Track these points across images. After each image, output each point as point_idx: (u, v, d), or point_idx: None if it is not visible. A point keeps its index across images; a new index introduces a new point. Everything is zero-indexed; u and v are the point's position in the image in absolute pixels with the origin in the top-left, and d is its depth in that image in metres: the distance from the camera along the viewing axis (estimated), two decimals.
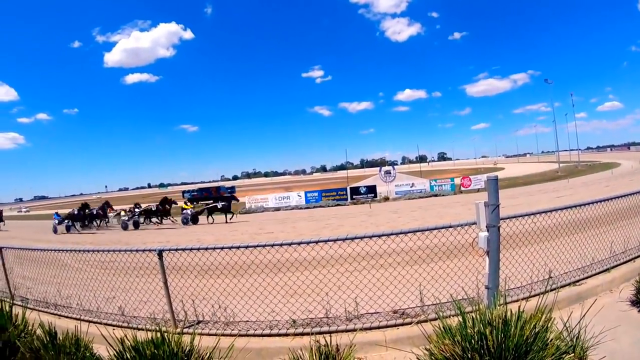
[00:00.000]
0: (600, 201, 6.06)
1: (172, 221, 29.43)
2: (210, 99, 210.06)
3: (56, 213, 30.72)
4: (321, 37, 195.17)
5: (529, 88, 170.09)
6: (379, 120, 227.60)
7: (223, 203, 28.80)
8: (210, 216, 28.60)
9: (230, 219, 28.02)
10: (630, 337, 4.11)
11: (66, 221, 28.88)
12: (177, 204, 30.97)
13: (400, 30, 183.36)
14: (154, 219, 29.16)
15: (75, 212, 29.72)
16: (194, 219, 28.07)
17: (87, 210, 29.90)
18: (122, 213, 30.48)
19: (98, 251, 6.62)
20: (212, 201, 30.51)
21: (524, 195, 26.11)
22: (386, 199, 35.43)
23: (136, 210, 29.99)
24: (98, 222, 30.53)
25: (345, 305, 5.18)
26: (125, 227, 27.83)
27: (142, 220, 28.82)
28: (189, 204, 30.65)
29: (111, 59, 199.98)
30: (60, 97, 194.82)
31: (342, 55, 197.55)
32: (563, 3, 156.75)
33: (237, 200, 31.25)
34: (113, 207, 31.64)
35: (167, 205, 29.45)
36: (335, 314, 5.19)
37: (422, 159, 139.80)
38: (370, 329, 4.79)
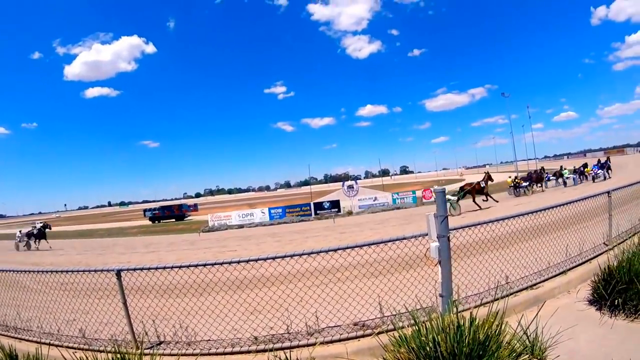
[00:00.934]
0: (555, 207, 6.32)
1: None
2: (172, 114, 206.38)
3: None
4: (283, 54, 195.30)
5: (486, 102, 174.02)
6: (341, 135, 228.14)
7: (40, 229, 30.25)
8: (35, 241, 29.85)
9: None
10: (588, 335, 4.26)
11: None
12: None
13: (361, 47, 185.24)
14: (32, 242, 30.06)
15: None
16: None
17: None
18: (18, 233, 31.30)
19: (56, 272, 6.43)
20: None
21: (486, 204, 26.75)
22: (350, 213, 35.56)
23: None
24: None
25: (306, 319, 5.21)
26: (17, 248, 29.48)
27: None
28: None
29: (71, 71, 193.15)
30: (19, 110, 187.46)
31: (304, 71, 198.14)
32: (519, 18, 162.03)
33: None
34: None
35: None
36: (296, 329, 5.21)
37: (384, 172, 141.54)
38: (332, 342, 4.83)
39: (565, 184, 33.17)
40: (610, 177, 31.91)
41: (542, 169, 34.70)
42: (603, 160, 33.97)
